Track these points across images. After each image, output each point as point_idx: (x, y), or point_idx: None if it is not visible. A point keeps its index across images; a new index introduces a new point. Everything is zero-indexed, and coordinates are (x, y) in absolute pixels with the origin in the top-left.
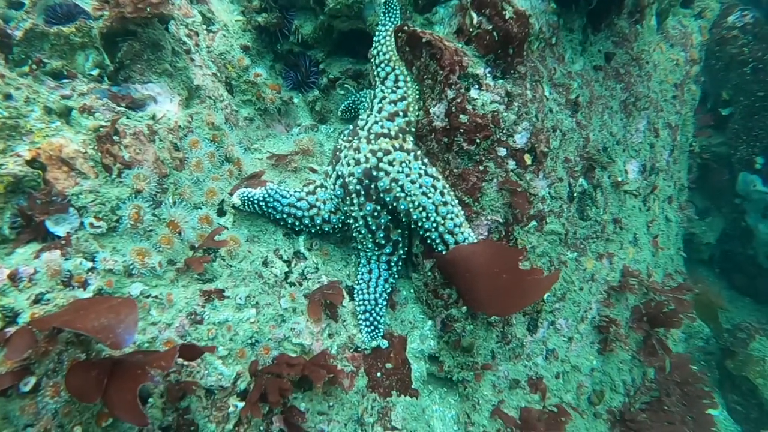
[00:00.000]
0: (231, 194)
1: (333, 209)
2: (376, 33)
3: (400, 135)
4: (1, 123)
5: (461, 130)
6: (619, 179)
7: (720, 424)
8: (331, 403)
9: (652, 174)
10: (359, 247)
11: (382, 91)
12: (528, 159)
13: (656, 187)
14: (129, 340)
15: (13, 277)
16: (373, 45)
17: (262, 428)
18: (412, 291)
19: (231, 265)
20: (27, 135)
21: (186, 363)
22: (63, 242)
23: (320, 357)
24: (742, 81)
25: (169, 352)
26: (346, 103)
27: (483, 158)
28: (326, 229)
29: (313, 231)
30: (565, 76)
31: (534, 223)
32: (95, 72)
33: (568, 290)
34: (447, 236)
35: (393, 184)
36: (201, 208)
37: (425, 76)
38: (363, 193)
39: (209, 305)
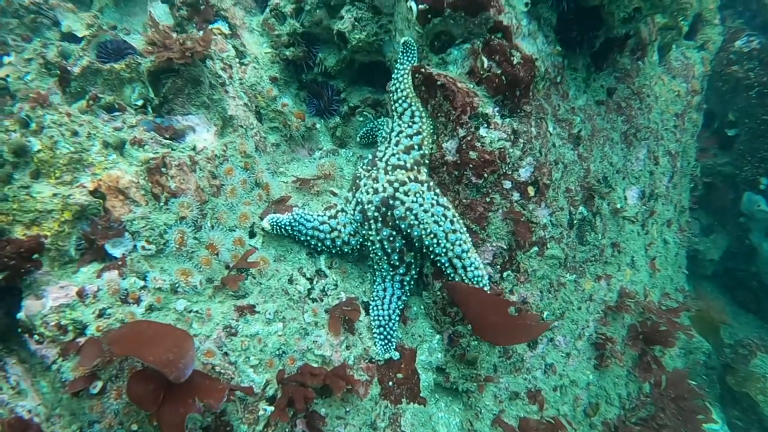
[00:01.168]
0: (261, 218)
1: (352, 232)
2: (395, 71)
3: (415, 167)
4: (70, 157)
5: (470, 165)
6: (618, 206)
7: None
8: (347, 409)
9: (651, 200)
10: (375, 267)
11: (399, 125)
12: (531, 191)
13: (654, 212)
14: (188, 373)
15: (81, 294)
16: (392, 81)
17: (287, 430)
18: (422, 308)
19: (261, 283)
20: (89, 167)
21: (223, 371)
22: (119, 263)
23: (340, 369)
24: (748, 104)
25: (220, 392)
26: (364, 129)
27: (490, 191)
28: (346, 250)
29: (333, 251)
30: (569, 112)
31: (535, 248)
32: (140, 103)
33: (567, 309)
34: (455, 261)
35: (408, 213)
36: (235, 231)
37: (439, 114)
38: (380, 219)
39: (242, 319)
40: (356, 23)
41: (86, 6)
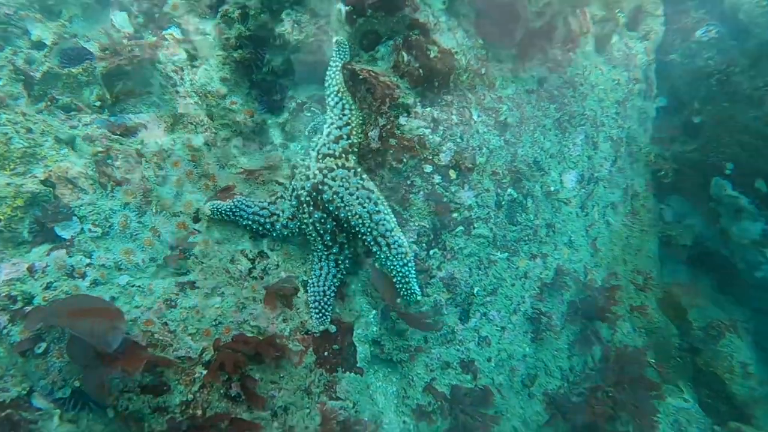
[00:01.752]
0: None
1: (290, 216)
2: (329, 68)
3: (344, 155)
4: (23, 151)
5: (391, 151)
6: (552, 189)
7: (691, 417)
8: (282, 375)
9: (591, 183)
10: (312, 248)
11: (331, 117)
12: (453, 174)
13: (594, 195)
14: (115, 344)
15: (31, 270)
16: (326, 78)
17: (222, 392)
18: (360, 285)
19: (202, 262)
20: (42, 160)
21: (162, 338)
22: (68, 243)
23: (271, 338)
24: (710, 92)
25: (140, 362)
26: (312, 123)
27: (410, 174)
28: (285, 233)
29: (274, 235)
30: (495, 101)
31: (461, 228)
32: (98, 104)
33: (499, 286)
34: (380, 239)
35: (335, 196)
36: (179, 216)
37: (364, 106)
38: (312, 203)
39: (182, 293)
40: (295, 25)
41: (56, 16)
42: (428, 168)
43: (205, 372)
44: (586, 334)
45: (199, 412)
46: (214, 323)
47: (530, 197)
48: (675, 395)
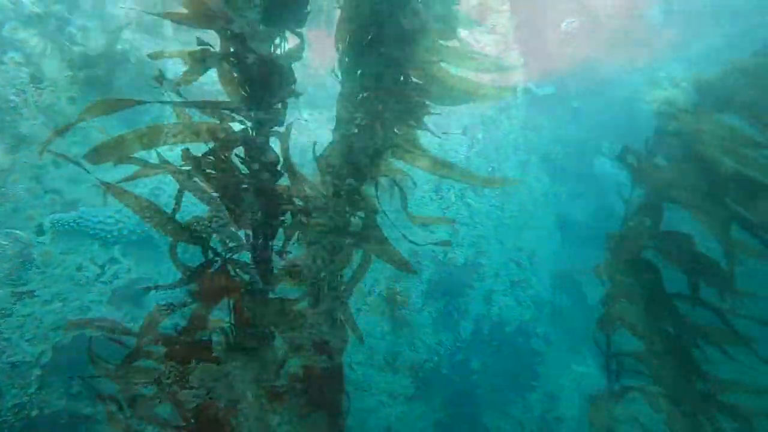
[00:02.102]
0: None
1: (138, 221)
2: None
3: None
4: None
5: (218, 153)
6: (398, 177)
7: (593, 380)
8: (128, 370)
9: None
10: (164, 248)
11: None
12: (281, 169)
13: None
14: None
15: None
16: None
17: (61, 391)
18: None
19: (45, 272)
20: None
21: None
22: None
23: (117, 335)
24: (581, 77)
25: None
26: None
27: (237, 171)
28: (134, 238)
29: (124, 241)
30: (328, 99)
31: (299, 217)
32: None
33: (349, 269)
34: (215, 235)
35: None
36: (19, 231)
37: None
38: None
39: (20, 302)
40: (134, 43)
41: None
42: (255, 166)
43: (41, 373)
44: (449, 310)
45: (35, 413)
46: (53, 327)
47: (373, 185)
48: (578, 362)
